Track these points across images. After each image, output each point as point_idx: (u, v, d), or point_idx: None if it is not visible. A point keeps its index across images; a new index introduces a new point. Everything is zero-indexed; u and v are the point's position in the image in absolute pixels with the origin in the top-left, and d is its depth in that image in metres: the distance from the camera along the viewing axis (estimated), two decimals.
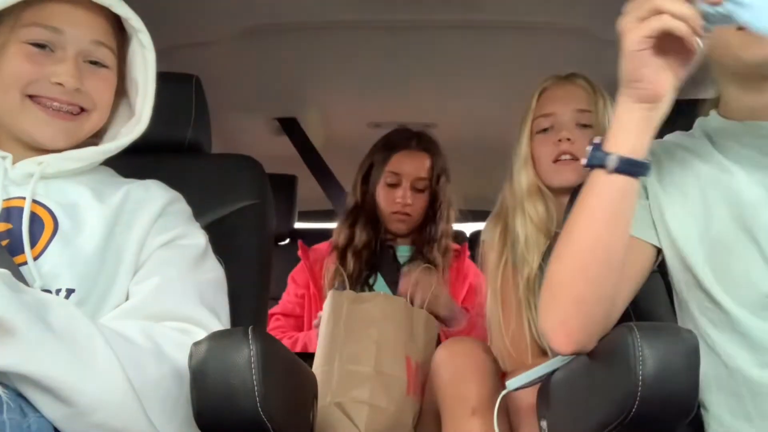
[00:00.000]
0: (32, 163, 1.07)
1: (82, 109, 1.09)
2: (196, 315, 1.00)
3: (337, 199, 2.45)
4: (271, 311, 2.07)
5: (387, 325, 1.63)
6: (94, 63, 1.09)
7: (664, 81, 0.86)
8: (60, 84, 1.05)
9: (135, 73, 1.13)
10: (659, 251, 1.05)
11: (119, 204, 1.08)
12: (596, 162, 0.91)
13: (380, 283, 1.99)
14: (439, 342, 1.70)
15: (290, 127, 2.47)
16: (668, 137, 1.10)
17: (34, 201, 1.04)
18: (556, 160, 1.53)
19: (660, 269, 1.23)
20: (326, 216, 2.92)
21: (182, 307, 1.01)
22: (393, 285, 1.95)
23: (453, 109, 2.38)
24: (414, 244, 2.04)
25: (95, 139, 1.16)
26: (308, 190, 2.63)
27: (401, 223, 2.02)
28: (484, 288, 1.60)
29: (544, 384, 1.11)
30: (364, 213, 2.03)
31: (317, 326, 1.76)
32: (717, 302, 0.98)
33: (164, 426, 0.89)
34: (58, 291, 0.98)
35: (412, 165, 2.02)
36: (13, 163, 1.07)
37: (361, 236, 1.99)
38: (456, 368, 1.44)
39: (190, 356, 0.89)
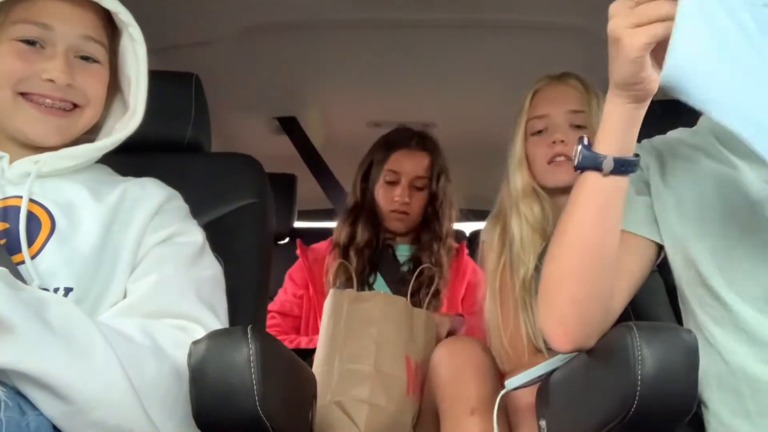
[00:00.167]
0: (29, 162, 1.07)
1: (75, 105, 1.08)
2: (194, 312, 1.00)
3: (337, 198, 2.46)
4: (267, 308, 2.06)
5: (387, 325, 1.63)
6: (86, 58, 1.09)
7: (656, 80, 0.85)
8: (51, 80, 1.04)
9: (127, 68, 1.13)
10: (660, 249, 1.05)
11: (116, 202, 1.08)
12: (589, 164, 0.92)
13: (380, 283, 1.99)
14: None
15: (290, 127, 2.47)
16: (672, 134, 1.10)
17: (31, 200, 1.04)
18: (550, 161, 1.53)
19: (659, 268, 1.23)
20: (326, 215, 2.92)
21: (180, 305, 1.01)
22: (393, 284, 1.95)
23: (453, 108, 2.38)
24: (414, 244, 2.04)
25: (91, 135, 1.16)
26: (308, 189, 2.63)
27: (399, 222, 2.02)
28: (483, 285, 1.60)
29: (544, 383, 1.11)
30: (365, 211, 2.03)
31: None
32: (720, 299, 0.98)
33: (163, 423, 0.89)
34: (56, 290, 0.98)
35: (411, 163, 2.02)
36: (10, 162, 1.07)
37: (363, 234, 1.99)
38: (455, 367, 1.44)
39: (190, 355, 0.89)
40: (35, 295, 0.85)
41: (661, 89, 0.86)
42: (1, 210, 1.02)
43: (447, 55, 2.07)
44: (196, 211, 1.18)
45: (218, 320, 1.03)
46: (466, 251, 2.09)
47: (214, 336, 0.90)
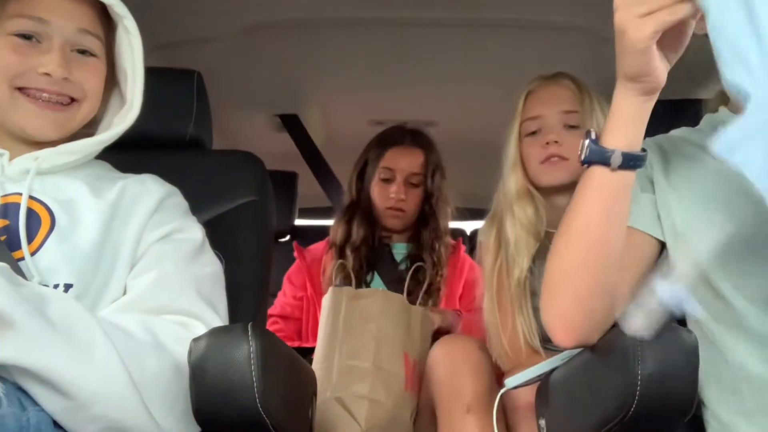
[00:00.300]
0: (28, 159, 1.07)
1: (73, 99, 1.08)
2: (194, 308, 1.01)
3: (336, 196, 2.45)
4: (268, 313, 2.06)
5: (385, 322, 1.64)
6: (82, 52, 1.09)
7: (663, 70, 0.85)
8: (47, 74, 1.04)
9: (124, 62, 1.13)
10: (662, 246, 1.05)
11: (116, 199, 1.08)
12: (596, 158, 0.91)
13: (377, 281, 1.99)
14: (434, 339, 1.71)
15: (291, 124, 2.47)
16: (675, 132, 1.10)
17: (31, 197, 1.04)
18: (544, 161, 1.53)
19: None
20: (326, 213, 2.91)
21: (180, 301, 1.01)
22: (390, 283, 1.95)
23: (454, 106, 2.37)
24: (411, 242, 2.04)
25: (89, 130, 1.16)
26: (308, 187, 2.63)
27: (396, 219, 2.02)
28: (481, 283, 1.61)
29: (543, 382, 1.11)
30: (360, 210, 2.03)
31: None
32: (723, 297, 0.97)
33: (164, 418, 0.89)
34: (56, 286, 0.98)
35: (405, 160, 2.02)
36: (10, 159, 1.07)
37: (358, 232, 1.99)
38: (451, 365, 1.44)
39: (190, 352, 0.89)
40: (36, 291, 0.85)
41: (668, 85, 0.86)
42: (1, 207, 1.02)
43: (448, 53, 2.07)
44: (196, 209, 1.18)
45: (218, 317, 1.03)
46: (463, 248, 2.10)
47: (214, 333, 0.90)
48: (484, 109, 2.31)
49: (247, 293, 1.22)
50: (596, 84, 1.65)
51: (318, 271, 2.02)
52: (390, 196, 2.00)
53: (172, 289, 1.02)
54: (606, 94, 1.62)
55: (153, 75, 1.13)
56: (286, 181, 2.56)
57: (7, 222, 1.01)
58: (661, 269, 0.86)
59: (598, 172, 0.92)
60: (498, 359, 1.48)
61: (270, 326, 2.01)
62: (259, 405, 0.87)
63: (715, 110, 1.08)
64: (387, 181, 2.02)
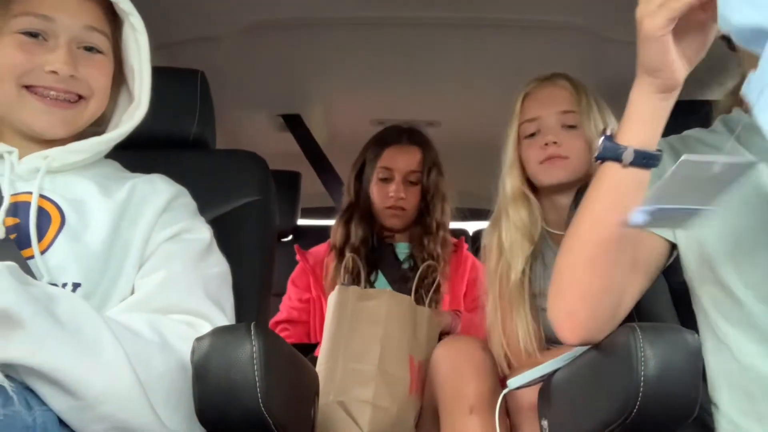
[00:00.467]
0: (38, 158, 1.07)
1: (80, 97, 1.08)
2: (202, 308, 1.01)
3: (339, 196, 2.45)
4: (274, 320, 2.05)
5: (392, 324, 1.63)
6: (89, 49, 1.09)
7: (681, 68, 0.85)
8: (54, 72, 1.04)
9: (131, 59, 1.13)
10: (673, 248, 1.04)
11: (125, 199, 1.08)
12: (609, 155, 0.91)
13: (381, 281, 1.98)
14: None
15: (294, 124, 2.47)
16: (688, 133, 1.09)
17: (41, 196, 1.04)
18: (543, 161, 1.54)
19: (663, 270, 1.23)
20: (329, 213, 2.91)
21: (187, 301, 1.01)
22: (394, 283, 1.95)
23: (456, 107, 2.37)
24: (411, 241, 2.04)
25: (98, 128, 1.16)
26: (311, 186, 2.63)
27: (396, 218, 2.01)
28: (482, 280, 1.61)
29: (546, 383, 1.11)
30: (359, 210, 2.03)
31: None
32: (735, 297, 0.97)
33: (170, 418, 0.89)
34: (64, 285, 0.98)
35: (403, 159, 2.02)
36: (19, 157, 1.07)
37: (357, 232, 1.99)
38: (454, 366, 1.44)
39: (193, 351, 0.89)
40: (44, 290, 0.85)
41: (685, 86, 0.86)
42: (11, 205, 1.02)
43: (450, 53, 2.07)
44: (200, 208, 1.18)
45: (225, 316, 1.03)
46: (466, 246, 2.09)
47: (217, 333, 0.90)
48: (486, 109, 2.31)
49: (250, 293, 1.22)
50: (597, 84, 1.65)
51: (321, 271, 2.01)
52: (389, 195, 2.00)
53: (180, 289, 1.02)
54: (607, 94, 1.63)
55: (156, 75, 1.13)
56: (288, 181, 2.56)
57: (17, 220, 1.02)
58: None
59: (610, 168, 0.91)
60: (498, 360, 1.48)
61: (277, 332, 2.00)
62: (261, 404, 0.87)
63: (728, 111, 1.07)
64: (386, 180, 2.02)
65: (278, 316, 2.06)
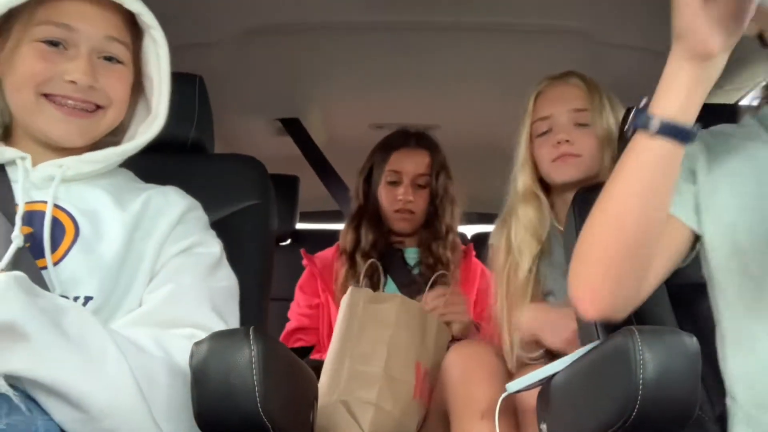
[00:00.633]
0: (53, 166, 1.07)
1: (98, 107, 1.08)
2: (208, 322, 1.00)
3: (342, 199, 2.45)
4: (287, 330, 2.03)
5: (401, 329, 1.63)
6: (109, 59, 1.09)
7: (716, 37, 0.83)
8: (73, 82, 1.04)
9: (150, 69, 1.13)
10: (696, 239, 1.03)
11: (139, 211, 1.08)
12: (639, 124, 0.89)
13: (391, 287, 1.98)
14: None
15: (293, 128, 2.47)
16: (717, 127, 1.08)
17: (56, 206, 1.04)
18: (555, 159, 1.54)
19: None
20: (327, 217, 2.92)
21: (194, 314, 1.01)
22: (404, 288, 1.94)
23: (455, 110, 2.38)
24: (420, 246, 2.04)
25: (114, 137, 1.16)
26: (309, 190, 2.63)
27: (405, 222, 2.01)
28: (491, 290, 1.61)
29: (545, 387, 1.11)
30: (368, 215, 2.03)
31: None
32: (763, 288, 0.96)
33: None
34: (76, 298, 0.98)
35: (411, 162, 2.02)
36: (33, 164, 1.07)
37: (367, 237, 1.99)
38: (466, 371, 1.45)
39: (192, 356, 0.89)
40: (52, 302, 0.85)
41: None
42: (26, 214, 1.02)
43: (449, 57, 2.07)
44: None
45: None
46: (473, 253, 2.09)
47: (216, 337, 0.90)
48: (485, 112, 2.32)
49: (249, 297, 1.22)
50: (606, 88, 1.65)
51: (330, 275, 2.00)
52: (398, 199, 1.99)
53: (188, 302, 1.02)
54: (607, 96, 1.63)
55: None
56: (287, 185, 2.56)
57: (30, 230, 1.01)
58: None
59: (639, 139, 0.90)
60: (507, 358, 1.49)
61: (293, 344, 1.98)
62: (260, 409, 0.87)
63: (756, 112, 1.07)
64: (394, 183, 2.02)
65: (289, 326, 2.04)
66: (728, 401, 1.02)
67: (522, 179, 1.57)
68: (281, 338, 2.03)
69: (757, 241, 0.97)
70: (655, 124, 0.87)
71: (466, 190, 2.09)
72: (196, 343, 0.90)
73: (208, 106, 1.40)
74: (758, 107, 1.08)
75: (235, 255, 1.17)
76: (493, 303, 1.59)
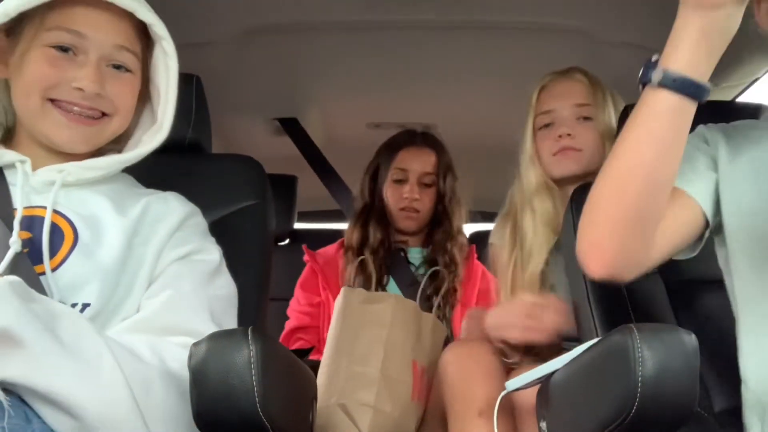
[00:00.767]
0: (53, 171, 1.07)
1: (104, 114, 1.08)
2: (205, 330, 0.99)
3: (342, 198, 2.45)
4: (287, 329, 2.03)
5: (396, 328, 1.62)
6: (117, 67, 1.08)
7: None
8: (80, 89, 1.04)
9: (158, 79, 1.13)
10: (706, 228, 1.03)
11: (139, 216, 1.08)
12: (646, 77, 0.88)
13: (393, 287, 1.98)
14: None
15: (291, 127, 2.47)
16: (739, 121, 1.09)
17: (55, 211, 1.04)
18: (556, 153, 1.55)
19: (659, 269, 1.23)
20: (325, 217, 2.92)
21: (191, 322, 1.00)
22: (406, 289, 1.94)
23: (453, 109, 2.38)
24: (425, 246, 2.04)
25: (117, 144, 1.16)
26: (308, 190, 2.63)
27: (410, 220, 2.01)
28: (495, 287, 1.62)
29: (544, 385, 1.11)
30: (375, 213, 2.03)
31: None
32: None
33: None
34: (74, 305, 0.97)
35: (418, 160, 2.03)
36: (34, 167, 1.07)
37: (375, 235, 1.99)
38: (463, 369, 1.44)
39: (190, 356, 0.89)
40: (47, 308, 0.84)
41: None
42: (25, 219, 1.02)
43: (447, 56, 2.07)
44: None
45: None
46: (475, 255, 2.09)
47: (214, 337, 0.90)
48: (483, 111, 2.32)
49: (248, 297, 1.22)
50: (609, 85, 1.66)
51: (332, 272, 2.00)
52: (404, 197, 2.00)
53: (185, 310, 1.01)
54: (609, 93, 1.64)
55: None
56: (285, 185, 2.56)
57: (30, 235, 1.01)
58: None
59: (647, 92, 0.89)
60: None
61: (293, 344, 1.98)
62: (259, 409, 0.87)
63: None
64: (400, 182, 2.02)
65: (289, 324, 2.03)
66: (742, 388, 1.03)
67: (534, 173, 1.58)
68: (281, 338, 2.03)
69: None
70: (657, 74, 0.87)
71: (468, 190, 2.09)
72: (195, 344, 0.89)
73: (205, 106, 1.40)
74: None
75: (233, 255, 1.17)
76: (496, 301, 1.59)
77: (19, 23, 1.05)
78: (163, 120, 1.12)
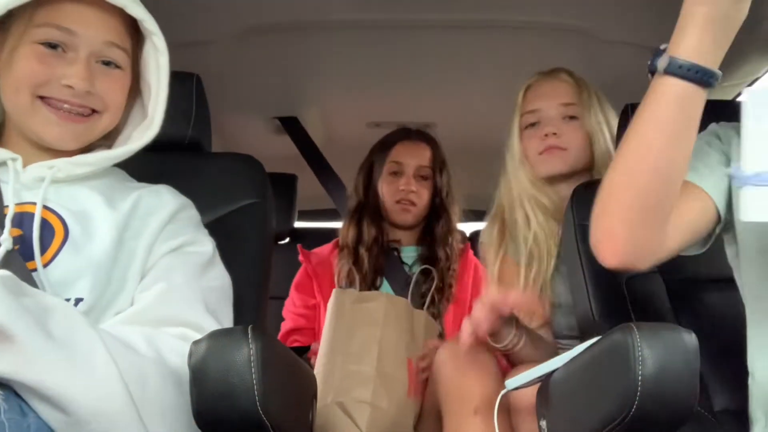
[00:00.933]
0: (43, 168, 1.07)
1: (94, 111, 1.08)
2: (200, 321, 1.00)
3: (339, 197, 2.45)
4: (283, 331, 2.02)
5: (389, 326, 1.63)
6: (107, 64, 1.08)
7: None
8: (70, 86, 1.04)
9: (148, 75, 1.12)
10: (717, 223, 1.04)
11: (130, 210, 1.08)
12: (654, 64, 0.89)
13: (386, 288, 1.97)
14: None
15: (291, 126, 2.47)
16: None
17: (45, 207, 1.04)
18: (542, 152, 1.55)
19: (659, 269, 1.23)
20: (326, 215, 2.91)
21: (186, 313, 1.00)
22: (400, 290, 1.93)
23: (452, 108, 2.38)
24: (420, 245, 2.04)
25: (108, 140, 1.16)
26: (308, 189, 2.63)
27: (406, 213, 2.00)
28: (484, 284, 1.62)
29: (544, 384, 1.11)
30: (368, 210, 2.02)
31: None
32: None
33: None
34: (67, 300, 0.97)
35: (413, 154, 2.02)
36: (24, 164, 1.07)
37: (369, 232, 1.98)
38: (458, 367, 1.44)
39: (190, 355, 0.88)
40: (38, 301, 0.83)
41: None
42: (16, 215, 1.01)
43: (447, 55, 2.07)
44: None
45: None
46: (470, 252, 2.09)
47: (214, 336, 0.90)
48: (483, 110, 2.31)
49: (248, 296, 1.22)
50: (595, 85, 1.66)
51: (325, 273, 1.99)
52: (400, 189, 1.98)
53: (179, 301, 1.01)
54: (606, 96, 1.64)
55: None
56: (285, 184, 2.56)
57: (20, 231, 1.01)
58: None
59: (656, 79, 0.89)
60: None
61: (290, 345, 1.97)
62: (259, 407, 0.87)
63: None
64: (395, 174, 2.01)
65: (285, 326, 2.03)
66: (749, 381, 1.03)
67: (524, 171, 1.58)
68: (278, 338, 2.02)
69: None
70: (663, 60, 0.87)
71: (463, 191, 2.09)
72: (195, 342, 0.89)
73: (205, 104, 1.40)
74: None
75: (233, 254, 1.17)
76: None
77: (7, 19, 1.05)
78: (154, 116, 1.12)
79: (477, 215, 2.32)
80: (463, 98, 2.30)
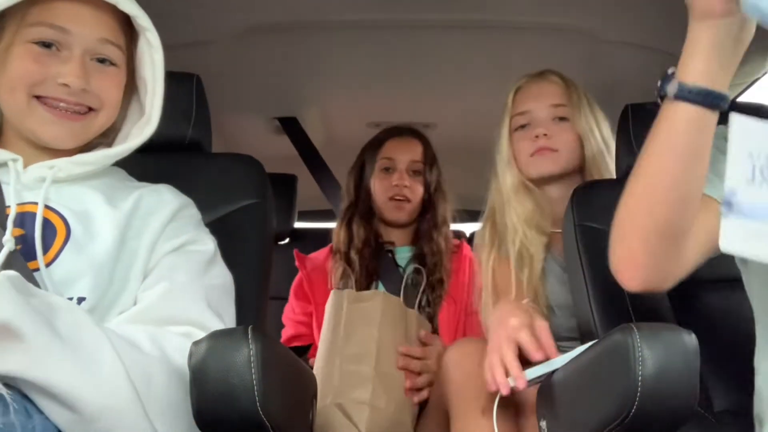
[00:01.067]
0: (44, 168, 1.07)
1: (90, 109, 1.08)
2: (203, 319, 1.00)
3: (337, 199, 2.45)
4: (284, 338, 2.01)
5: (386, 325, 1.63)
6: (102, 61, 1.08)
7: None
8: (66, 85, 1.04)
9: (144, 72, 1.12)
10: None
11: (131, 209, 1.08)
12: (664, 90, 0.89)
13: (381, 290, 1.97)
14: None
15: (290, 127, 2.47)
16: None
17: (47, 207, 1.04)
18: (533, 153, 1.55)
19: None
20: (326, 216, 2.91)
21: (189, 312, 1.00)
22: (394, 290, 1.92)
23: (453, 109, 2.37)
24: (414, 245, 2.03)
25: (106, 138, 1.16)
26: (308, 189, 2.63)
27: (399, 210, 1.98)
28: (477, 283, 1.62)
29: (544, 384, 1.11)
30: (359, 210, 2.01)
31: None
32: None
33: None
34: (69, 299, 0.97)
35: (405, 149, 2.01)
36: (24, 165, 1.07)
37: (359, 233, 1.97)
38: (467, 369, 1.44)
39: (190, 355, 0.89)
40: (45, 301, 0.84)
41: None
42: (18, 216, 1.01)
43: (447, 55, 2.07)
44: None
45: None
46: (467, 247, 2.08)
47: (214, 336, 0.90)
48: (483, 111, 2.30)
49: (248, 296, 1.22)
50: (592, 85, 1.66)
51: (319, 279, 1.98)
52: (393, 184, 1.96)
53: (183, 300, 1.01)
54: (602, 95, 1.64)
55: None
56: (285, 184, 2.56)
57: (22, 231, 1.01)
58: None
59: (666, 105, 0.90)
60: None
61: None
62: (259, 408, 0.87)
63: None
64: (387, 170, 1.99)
65: (285, 333, 2.02)
66: (755, 378, 1.03)
67: (510, 174, 1.58)
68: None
69: None
70: (672, 86, 0.87)
71: (453, 187, 2.07)
72: (195, 343, 0.89)
73: (205, 104, 1.40)
74: None
75: (233, 254, 1.17)
76: (477, 301, 1.59)
77: (0, 19, 1.05)
78: (152, 112, 1.12)
79: (477, 215, 2.32)
80: (463, 98, 2.30)
